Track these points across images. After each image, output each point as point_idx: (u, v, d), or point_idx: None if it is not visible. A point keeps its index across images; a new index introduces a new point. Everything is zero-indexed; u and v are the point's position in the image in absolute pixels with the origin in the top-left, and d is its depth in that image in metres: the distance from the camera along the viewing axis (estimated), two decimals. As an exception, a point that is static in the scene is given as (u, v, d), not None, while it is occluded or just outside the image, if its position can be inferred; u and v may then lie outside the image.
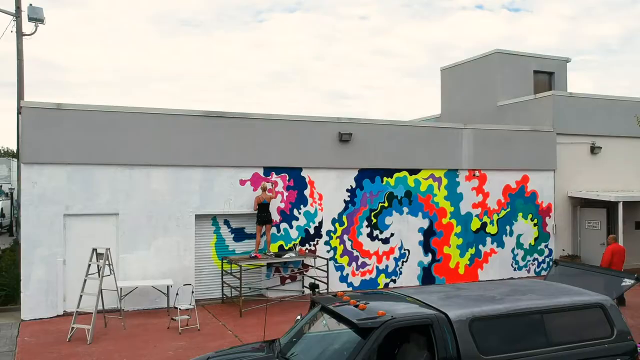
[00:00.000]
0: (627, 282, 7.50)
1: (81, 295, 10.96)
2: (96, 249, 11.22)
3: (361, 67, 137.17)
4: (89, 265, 11.20)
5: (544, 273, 17.62)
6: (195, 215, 13.66)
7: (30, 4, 16.00)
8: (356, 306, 6.33)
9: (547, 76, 21.31)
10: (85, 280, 11.10)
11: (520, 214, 17.52)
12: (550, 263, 17.80)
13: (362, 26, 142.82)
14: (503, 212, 17.27)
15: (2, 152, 76.07)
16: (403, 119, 26.16)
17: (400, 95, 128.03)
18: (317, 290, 8.56)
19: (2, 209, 38.94)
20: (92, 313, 10.81)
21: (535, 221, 17.75)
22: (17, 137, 12.69)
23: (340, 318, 6.32)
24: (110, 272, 11.30)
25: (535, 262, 17.71)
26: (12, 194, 40.10)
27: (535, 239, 17.74)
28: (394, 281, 15.85)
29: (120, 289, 12.13)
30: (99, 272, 11.06)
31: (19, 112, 12.82)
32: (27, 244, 12.30)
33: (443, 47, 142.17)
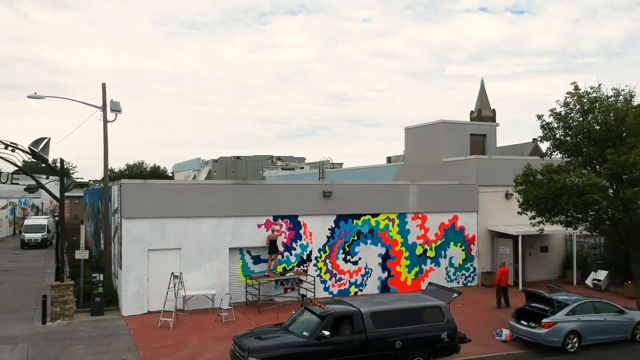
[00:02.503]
0: (454, 295, 14.89)
1: (165, 301, 18.31)
2: (173, 273, 18.58)
3: (363, 69, 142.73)
4: (169, 282, 18.55)
5: (470, 284, 25.01)
6: (229, 248, 21.01)
7: (112, 99, 23.23)
8: (319, 307, 13.67)
9: (481, 137, 28.69)
10: (167, 292, 18.45)
11: (452, 243, 24.85)
12: (474, 277, 25.20)
13: (365, 28, 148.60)
14: (439, 242, 24.61)
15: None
16: (376, 162, 33.55)
17: (402, 97, 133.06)
18: (304, 297, 15.98)
19: (47, 225, 46.22)
20: (171, 311, 18.17)
21: (463, 248, 25.07)
22: (120, 201, 19.98)
23: (312, 312, 13.65)
24: (181, 287, 18.66)
25: (463, 276, 25.03)
26: (58, 216, 47.35)
27: (463, 260, 25.07)
28: (361, 290, 23.16)
29: (184, 296, 19.45)
30: (174, 287, 18.41)
31: (120, 185, 20.13)
32: (126, 268, 19.66)
33: (446, 49, 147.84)
